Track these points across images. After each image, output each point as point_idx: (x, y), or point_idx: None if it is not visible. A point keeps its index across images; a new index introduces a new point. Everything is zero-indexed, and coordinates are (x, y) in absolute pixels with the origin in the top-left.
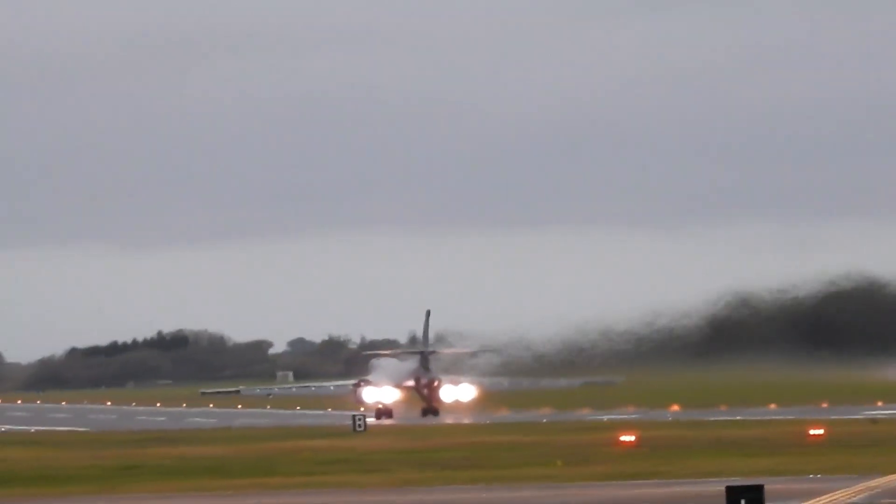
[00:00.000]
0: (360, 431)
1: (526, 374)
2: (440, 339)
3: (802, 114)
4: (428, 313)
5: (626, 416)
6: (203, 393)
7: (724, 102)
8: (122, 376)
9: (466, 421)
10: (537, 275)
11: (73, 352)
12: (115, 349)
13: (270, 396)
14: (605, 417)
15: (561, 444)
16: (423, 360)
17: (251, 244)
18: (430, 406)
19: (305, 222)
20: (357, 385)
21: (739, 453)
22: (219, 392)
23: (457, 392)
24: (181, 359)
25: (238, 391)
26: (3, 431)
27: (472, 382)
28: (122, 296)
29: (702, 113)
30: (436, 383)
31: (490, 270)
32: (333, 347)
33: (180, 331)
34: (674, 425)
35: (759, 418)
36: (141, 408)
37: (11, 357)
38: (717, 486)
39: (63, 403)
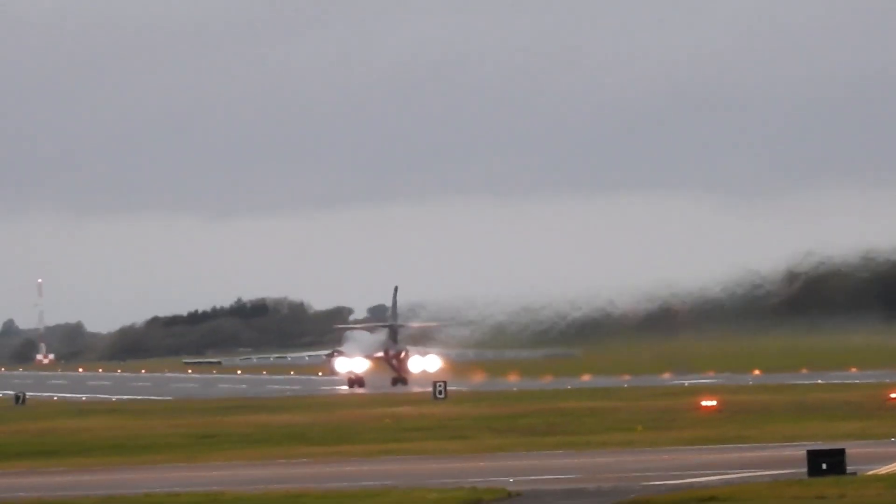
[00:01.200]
0: (441, 399)
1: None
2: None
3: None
4: (395, 289)
5: (707, 381)
6: (185, 362)
7: (821, 66)
8: (202, 345)
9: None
10: (620, 238)
11: (154, 321)
12: (195, 318)
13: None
14: (686, 382)
15: (642, 410)
16: (392, 332)
17: (332, 212)
18: (399, 376)
19: (388, 190)
20: (330, 356)
21: (821, 417)
22: (200, 362)
23: (424, 363)
24: (261, 327)
25: (219, 362)
26: (84, 400)
27: (437, 353)
28: (203, 264)
29: (790, 77)
30: (403, 354)
31: (581, 235)
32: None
33: (261, 299)
34: (755, 389)
35: (840, 382)
36: (223, 376)
37: (93, 327)
38: (799, 451)
39: (143, 372)
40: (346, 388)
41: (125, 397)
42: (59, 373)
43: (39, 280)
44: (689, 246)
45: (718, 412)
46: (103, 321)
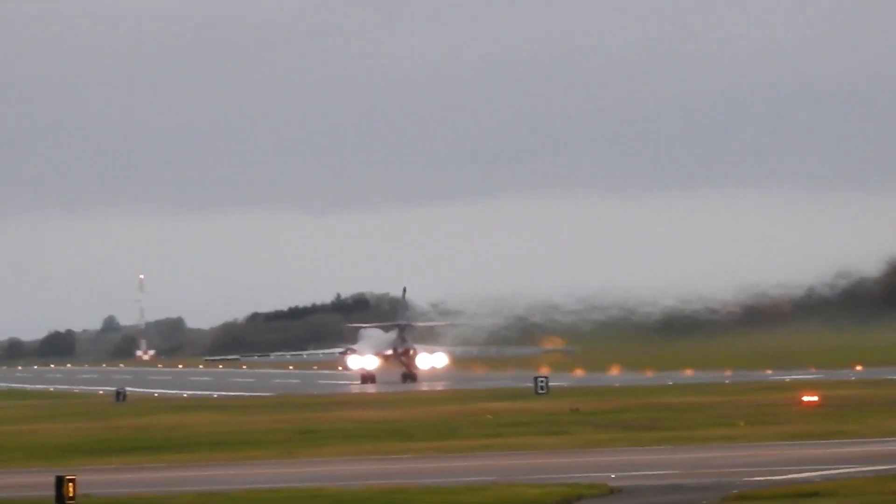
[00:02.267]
0: (542, 394)
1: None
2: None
3: None
4: (404, 290)
5: (808, 376)
6: (206, 359)
7: None
8: (303, 340)
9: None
10: (718, 233)
11: (255, 316)
12: (295, 313)
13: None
14: (787, 377)
15: (743, 405)
16: (401, 331)
17: (435, 206)
18: (409, 372)
19: (490, 185)
20: (343, 353)
21: None
22: (221, 359)
23: (431, 360)
24: (362, 322)
25: (238, 358)
26: (185, 397)
27: (444, 351)
28: (304, 259)
29: (892, 68)
30: (411, 352)
31: (679, 230)
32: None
33: (361, 294)
34: (857, 384)
35: None
36: (323, 371)
37: (194, 323)
38: None
39: (244, 368)
40: (359, 382)
41: (226, 393)
42: (160, 368)
43: (141, 276)
44: (788, 240)
45: (820, 407)
46: (204, 317)
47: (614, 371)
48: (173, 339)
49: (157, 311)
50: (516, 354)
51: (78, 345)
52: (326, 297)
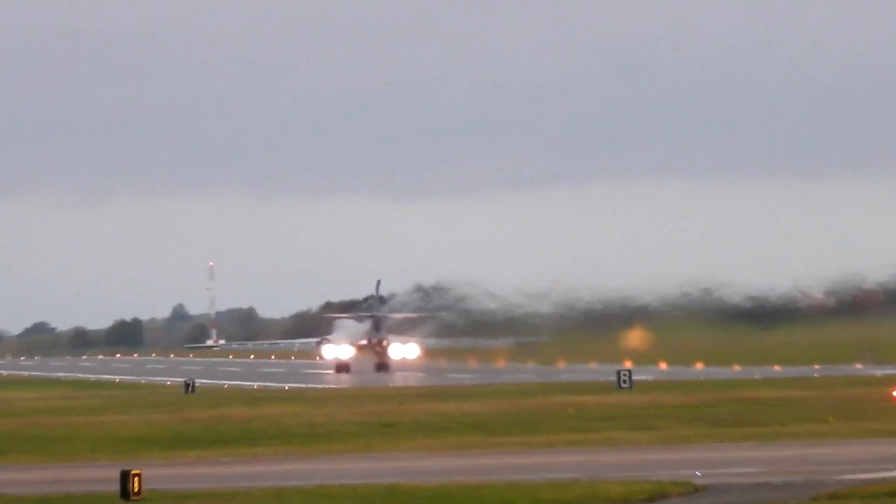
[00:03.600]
0: (626, 388)
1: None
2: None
3: None
4: (378, 282)
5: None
6: (186, 347)
7: None
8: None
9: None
10: (809, 224)
11: (329, 306)
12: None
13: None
14: (879, 372)
15: (833, 400)
16: (375, 322)
17: (516, 193)
18: (382, 362)
19: (577, 172)
20: (319, 343)
21: None
22: (199, 346)
23: (404, 350)
24: None
25: (216, 346)
26: (257, 388)
27: (417, 342)
28: (381, 248)
29: None
30: (384, 342)
31: (770, 219)
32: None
33: (439, 283)
34: None
35: None
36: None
37: (266, 313)
38: None
39: (231, 357)
40: (333, 371)
41: (298, 385)
42: (231, 359)
43: (211, 263)
44: (880, 231)
45: None
46: (277, 307)
47: (699, 364)
48: (245, 329)
49: (227, 300)
50: (487, 346)
51: (147, 334)
52: (405, 286)
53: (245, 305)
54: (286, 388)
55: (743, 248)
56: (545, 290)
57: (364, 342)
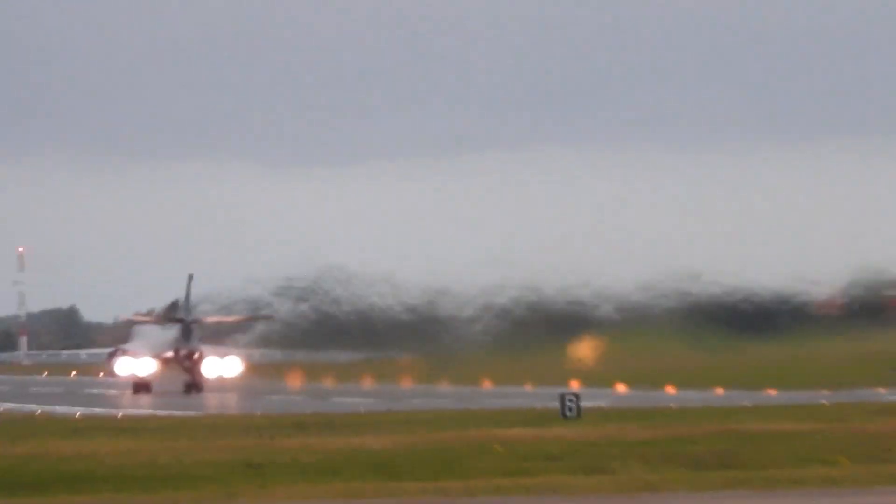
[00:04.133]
0: (572, 416)
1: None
2: None
3: None
4: (190, 277)
5: None
6: None
7: None
8: None
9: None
10: (825, 215)
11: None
12: None
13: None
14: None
15: (847, 434)
16: (185, 329)
17: (434, 161)
18: (193, 380)
19: (514, 133)
20: (113, 354)
21: None
22: None
23: (221, 366)
24: None
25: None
26: (79, 416)
27: (239, 355)
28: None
29: None
30: (196, 355)
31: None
32: None
33: (318, 275)
34: None
35: None
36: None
37: (93, 316)
38: None
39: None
40: (129, 392)
41: (133, 412)
42: (45, 377)
43: (20, 249)
44: None
45: None
46: (102, 306)
47: (669, 387)
48: (69, 335)
49: (44, 299)
50: (332, 360)
51: None
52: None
53: (65, 305)
54: (119, 415)
55: (731, 232)
56: (464, 288)
57: (170, 354)
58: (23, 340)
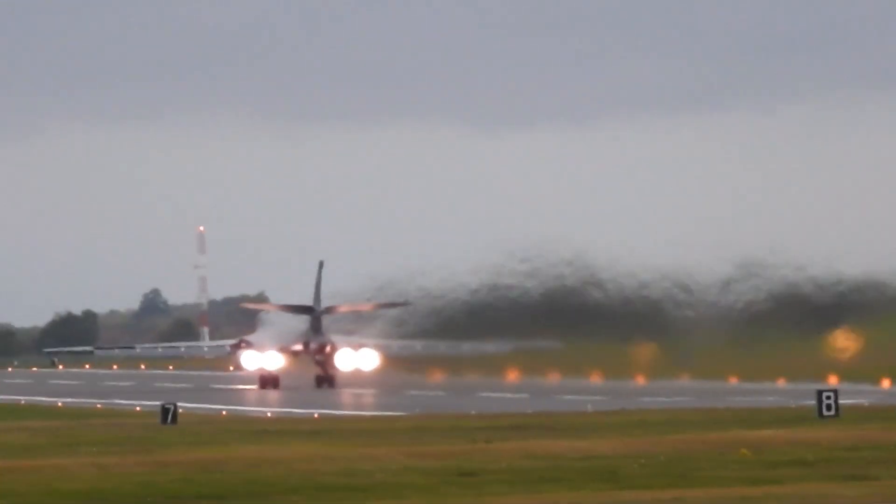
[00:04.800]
0: (830, 415)
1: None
2: None
3: None
4: (321, 264)
5: None
6: (46, 352)
7: None
8: None
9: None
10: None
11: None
12: None
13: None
14: None
15: None
16: (315, 320)
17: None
18: (326, 374)
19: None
20: (237, 346)
21: None
22: (68, 351)
23: (356, 358)
24: None
25: (92, 351)
26: (269, 416)
27: (374, 347)
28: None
29: None
30: (328, 348)
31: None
32: None
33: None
34: None
35: None
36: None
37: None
38: None
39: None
40: (256, 387)
41: (322, 411)
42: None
43: (201, 228)
44: None
45: None
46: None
47: None
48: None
49: (225, 285)
50: (476, 352)
51: (103, 333)
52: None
53: (252, 291)
54: (315, 415)
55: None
56: (706, 271)
57: (299, 347)
58: (204, 331)
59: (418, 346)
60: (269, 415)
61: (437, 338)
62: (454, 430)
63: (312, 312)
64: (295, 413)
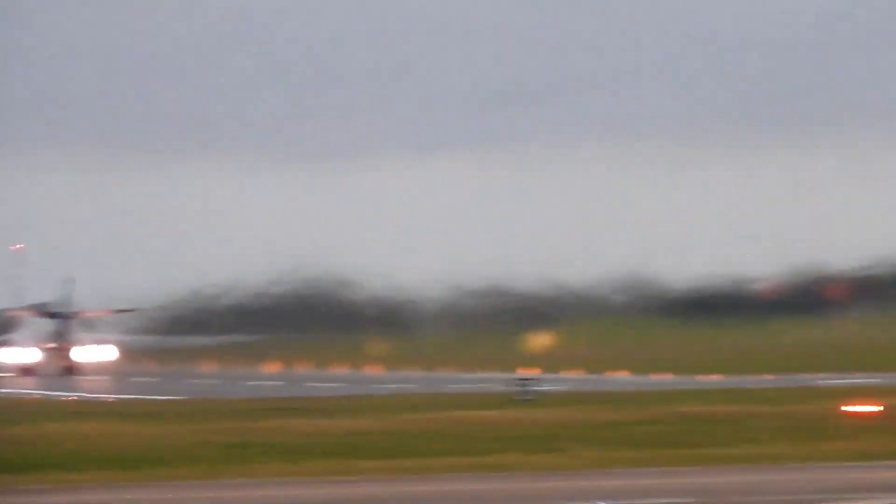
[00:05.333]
0: (530, 400)
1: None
2: None
3: None
4: (70, 279)
5: (869, 381)
6: None
7: None
8: None
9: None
10: (759, 204)
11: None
12: None
13: None
14: (843, 381)
15: (783, 415)
16: (63, 322)
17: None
18: (70, 366)
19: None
20: (1, 344)
21: None
22: None
23: (97, 352)
24: None
25: None
26: (74, 399)
27: (115, 343)
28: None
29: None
30: (70, 344)
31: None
32: None
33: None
34: None
35: None
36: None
37: None
38: None
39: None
40: (17, 377)
41: (124, 396)
42: None
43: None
44: (849, 213)
45: (882, 420)
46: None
47: (621, 372)
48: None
49: None
50: (194, 345)
51: None
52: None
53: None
54: (111, 398)
55: (680, 228)
56: (430, 278)
57: (51, 343)
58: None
59: (149, 340)
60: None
61: (171, 334)
62: (226, 412)
63: (61, 316)
64: (74, 396)
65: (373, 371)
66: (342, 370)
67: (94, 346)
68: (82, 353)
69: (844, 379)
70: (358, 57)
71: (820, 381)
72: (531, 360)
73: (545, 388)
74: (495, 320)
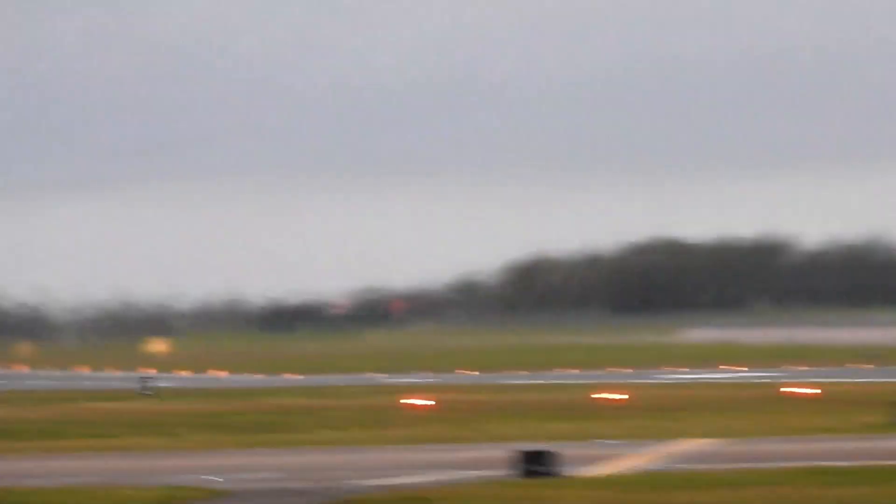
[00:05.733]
0: (149, 394)
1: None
2: None
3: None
4: None
5: (424, 380)
6: None
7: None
8: None
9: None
10: (332, 232)
11: None
12: None
13: None
14: (400, 381)
15: (355, 408)
16: None
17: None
18: None
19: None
20: None
21: (536, 418)
22: None
23: None
24: None
25: None
26: None
27: None
28: None
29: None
30: None
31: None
32: None
33: None
34: (472, 389)
35: (559, 382)
36: None
37: None
38: (509, 451)
39: None
40: None
41: None
42: None
43: None
44: (409, 240)
45: (433, 411)
46: None
47: (223, 372)
48: None
49: None
50: None
51: None
52: None
53: None
54: None
55: (263, 253)
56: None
57: None
58: None
59: None
60: None
61: None
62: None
63: None
64: None
65: (18, 369)
66: None
67: None
68: None
69: (404, 378)
70: None
71: (384, 380)
72: (150, 362)
73: (162, 384)
74: (121, 328)
